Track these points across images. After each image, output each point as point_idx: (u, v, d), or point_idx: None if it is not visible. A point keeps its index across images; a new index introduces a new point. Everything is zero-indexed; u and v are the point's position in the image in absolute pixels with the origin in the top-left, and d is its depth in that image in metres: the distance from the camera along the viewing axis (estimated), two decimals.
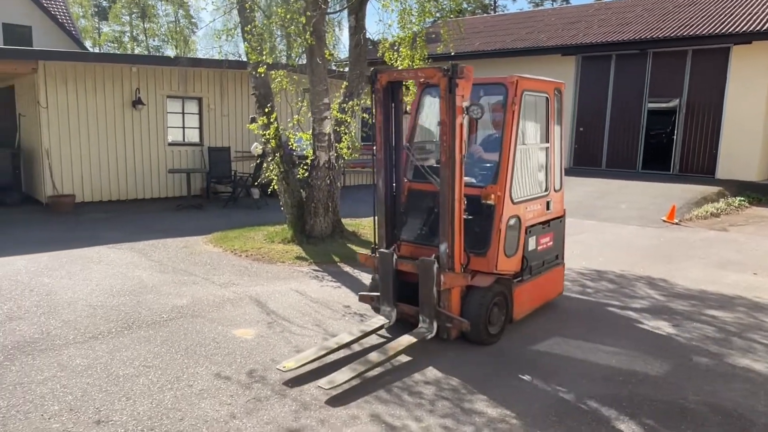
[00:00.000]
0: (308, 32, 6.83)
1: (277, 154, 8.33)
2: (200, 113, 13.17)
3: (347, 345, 4.47)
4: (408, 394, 3.86)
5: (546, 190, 5.39)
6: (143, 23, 49.96)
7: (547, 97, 5.29)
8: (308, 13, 6.91)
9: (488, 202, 4.68)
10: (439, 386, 3.99)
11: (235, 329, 4.98)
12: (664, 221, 10.52)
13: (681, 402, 3.83)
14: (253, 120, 8.60)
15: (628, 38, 15.83)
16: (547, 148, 5.40)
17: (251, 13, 7.63)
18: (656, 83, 15.68)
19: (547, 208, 5.37)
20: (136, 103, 11.95)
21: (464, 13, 39.67)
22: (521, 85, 4.75)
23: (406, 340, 4.38)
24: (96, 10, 50.45)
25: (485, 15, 33.37)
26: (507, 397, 3.87)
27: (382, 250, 4.84)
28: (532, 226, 5.12)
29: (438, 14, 9.64)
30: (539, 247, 5.26)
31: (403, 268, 4.72)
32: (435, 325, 4.50)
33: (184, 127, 13.10)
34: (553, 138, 5.42)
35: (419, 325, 4.56)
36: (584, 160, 17.00)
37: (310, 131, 8.15)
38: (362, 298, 5.22)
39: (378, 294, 4.94)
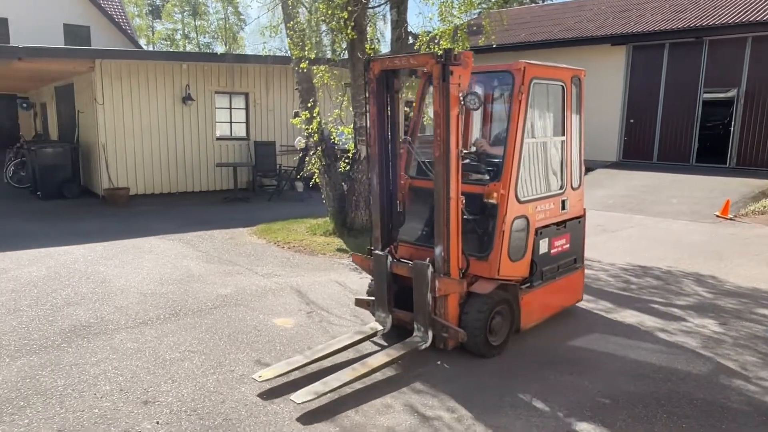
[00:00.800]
0: (349, 27, 6.92)
1: (320, 148, 8.48)
2: (247, 108, 13.52)
3: (333, 354, 4.21)
4: (444, 384, 3.91)
5: (561, 188, 4.92)
6: (194, 21, 51.42)
7: (563, 86, 4.81)
8: (349, 8, 7.00)
9: (490, 201, 4.32)
10: (475, 377, 4.02)
11: (275, 318, 5.14)
12: (718, 216, 10.11)
13: (723, 401, 3.73)
14: (297, 114, 8.77)
15: (682, 26, 15.21)
16: (563, 142, 4.92)
17: (293, 10, 7.79)
18: (712, 72, 15.01)
19: (563, 208, 4.92)
20: (186, 98, 12.37)
21: (510, 3, 38.95)
22: (529, 73, 4.32)
23: (397, 349, 4.14)
24: (150, 8, 52.28)
25: (532, 5, 32.67)
26: (542, 390, 3.86)
27: (376, 252, 4.55)
28: (544, 227, 4.71)
29: (482, 6, 9.54)
30: (552, 251, 4.84)
31: (398, 271, 4.42)
32: (430, 334, 4.20)
33: (231, 122, 13.48)
34: (570, 130, 4.94)
35: (414, 334, 4.29)
36: (634, 153, 16.48)
37: (352, 125, 8.26)
38: (358, 303, 4.91)
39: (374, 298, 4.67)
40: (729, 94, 14.85)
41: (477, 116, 5.50)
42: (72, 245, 7.69)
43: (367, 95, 4.53)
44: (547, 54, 17.23)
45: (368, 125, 4.52)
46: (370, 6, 8.06)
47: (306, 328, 4.92)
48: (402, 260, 4.51)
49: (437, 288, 4.12)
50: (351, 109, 8.17)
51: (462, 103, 4.00)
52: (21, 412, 3.47)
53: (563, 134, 4.92)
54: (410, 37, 9.36)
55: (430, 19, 7.40)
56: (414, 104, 5.02)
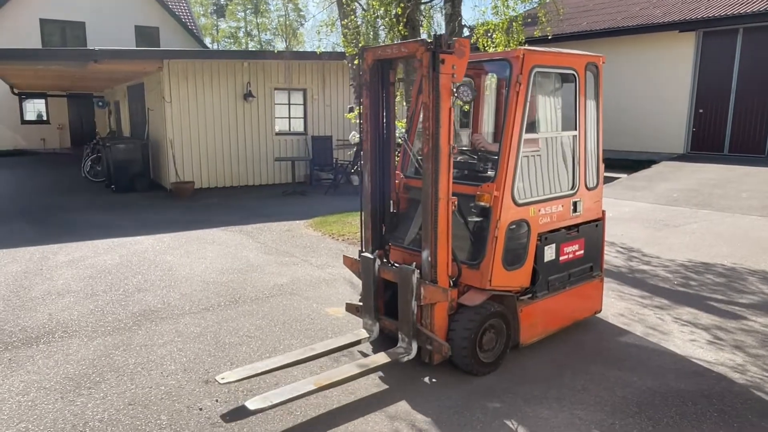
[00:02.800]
0: (401, 24, 7.02)
1: None
2: (305, 104, 13.88)
3: (308, 360, 4.04)
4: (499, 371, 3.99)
5: (573, 188, 4.46)
6: (256, 18, 52.87)
7: (575, 74, 4.35)
8: (402, 5, 7.09)
9: (482, 203, 3.95)
10: (522, 368, 4.07)
11: (327, 307, 5.35)
12: None
13: None
14: (351, 110, 8.97)
15: (759, 8, 14.35)
16: (574, 137, 4.43)
17: (348, 7, 7.96)
18: None
19: (574, 210, 4.46)
20: (247, 95, 12.85)
21: None
22: (529, 61, 3.91)
23: (378, 359, 3.89)
24: (215, 8, 54.15)
25: None
26: (588, 384, 3.87)
27: (364, 254, 4.30)
28: (551, 232, 4.30)
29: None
30: (561, 258, 4.41)
31: (385, 276, 4.17)
32: (414, 345, 3.91)
33: (290, 118, 13.88)
34: (584, 124, 4.46)
35: (398, 344, 4.02)
36: (703, 145, 15.74)
37: (404, 120, 8.37)
38: (348, 308, 4.67)
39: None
40: None
41: (489, 109, 5.18)
42: (142, 236, 8.21)
43: (360, 88, 4.19)
44: (609, 43, 16.70)
45: (360, 119, 4.23)
46: (423, 1, 8.12)
47: (356, 317, 5.08)
48: (393, 264, 4.24)
49: (422, 296, 3.83)
50: (404, 104, 8.27)
51: (454, 94, 3.69)
52: (97, 387, 3.82)
53: (576, 128, 4.45)
54: (466, 30, 9.35)
55: (483, 12, 7.33)
56: (411, 99, 4.58)
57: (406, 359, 3.93)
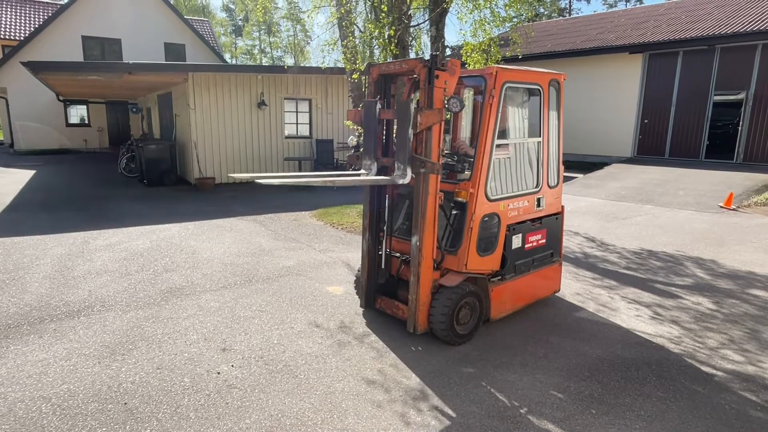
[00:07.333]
0: (393, 44, 6.94)
1: None
2: (310, 111, 13.76)
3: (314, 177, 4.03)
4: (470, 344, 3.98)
5: (537, 186, 4.43)
6: (269, 38, 52.31)
7: (540, 89, 4.30)
8: (394, 27, 7.01)
9: (459, 199, 3.95)
10: (492, 339, 4.07)
11: (328, 286, 5.31)
12: (721, 207, 9.61)
13: (709, 369, 3.64)
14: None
15: (696, 35, 14.37)
16: (539, 143, 4.40)
17: (347, 29, 7.86)
18: (723, 76, 14.15)
19: (538, 205, 4.44)
20: (261, 104, 12.71)
21: (541, 18, 37.61)
22: (501, 77, 3.88)
23: (380, 179, 3.88)
24: (233, 28, 53.54)
25: (559, 18, 31.44)
26: (548, 353, 3.88)
27: (368, 100, 4.05)
28: (518, 223, 4.29)
29: (514, 20, 9.30)
30: (527, 246, 4.39)
31: (385, 116, 4.01)
32: (409, 171, 3.77)
33: (297, 123, 13.75)
34: (547, 132, 4.42)
35: (395, 172, 3.88)
36: (648, 150, 15.80)
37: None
38: (350, 159, 4.41)
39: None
40: (739, 96, 13.98)
41: (467, 118, 5.16)
42: (170, 223, 8.13)
43: (367, 98, 4.08)
44: (570, 62, 16.68)
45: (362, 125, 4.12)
46: (411, 24, 8.04)
47: (352, 295, 5.06)
48: (388, 108, 4.06)
49: (419, 122, 3.59)
50: None
51: (445, 105, 3.65)
52: (129, 353, 3.79)
53: (540, 135, 4.41)
54: (448, 50, 9.27)
55: (464, 35, 7.22)
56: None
57: (401, 181, 3.81)
